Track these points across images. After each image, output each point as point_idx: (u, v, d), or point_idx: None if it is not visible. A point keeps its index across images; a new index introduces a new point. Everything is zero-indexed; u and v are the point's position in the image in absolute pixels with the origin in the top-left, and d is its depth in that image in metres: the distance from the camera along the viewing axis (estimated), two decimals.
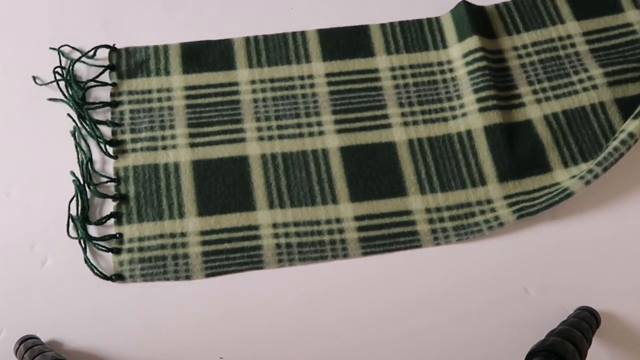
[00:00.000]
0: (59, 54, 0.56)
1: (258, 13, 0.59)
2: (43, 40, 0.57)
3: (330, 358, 0.48)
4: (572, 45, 0.57)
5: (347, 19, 0.58)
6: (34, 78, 0.55)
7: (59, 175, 0.52)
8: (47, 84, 0.55)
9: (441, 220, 0.51)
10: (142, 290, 0.49)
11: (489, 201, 0.52)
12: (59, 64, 0.55)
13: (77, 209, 0.50)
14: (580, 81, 0.55)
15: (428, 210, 0.51)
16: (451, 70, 0.57)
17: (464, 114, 0.55)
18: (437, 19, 0.59)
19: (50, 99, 0.54)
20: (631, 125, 0.50)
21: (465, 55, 0.56)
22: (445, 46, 0.58)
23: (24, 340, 0.46)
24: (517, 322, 0.49)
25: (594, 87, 0.54)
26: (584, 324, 0.45)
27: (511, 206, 0.51)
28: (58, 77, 0.55)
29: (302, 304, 0.49)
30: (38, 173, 0.52)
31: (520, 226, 0.51)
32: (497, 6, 0.59)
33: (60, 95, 0.54)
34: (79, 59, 0.56)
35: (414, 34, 0.58)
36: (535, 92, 0.55)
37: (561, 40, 0.57)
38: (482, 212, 0.51)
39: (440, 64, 0.57)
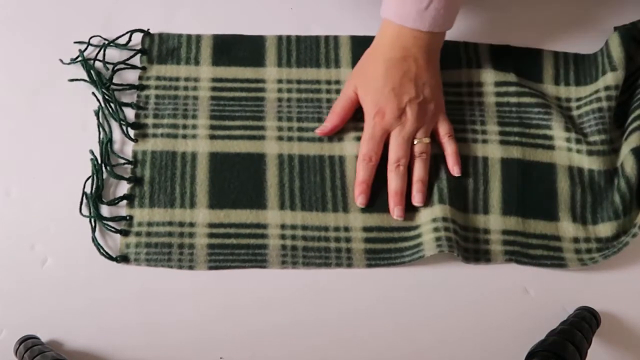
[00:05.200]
0: (88, 41, 0.56)
1: (258, 13, 0.59)
2: (48, 35, 0.57)
3: (331, 356, 0.48)
4: (616, 98, 0.55)
5: (347, 20, 0.58)
6: (61, 60, 0.55)
7: (59, 175, 0.52)
8: (74, 62, 0.55)
9: (447, 229, 0.50)
10: (143, 291, 0.49)
11: (486, 231, 0.51)
12: (81, 53, 0.55)
13: (92, 188, 0.51)
14: (612, 141, 0.54)
15: (434, 220, 0.51)
16: (480, 95, 0.56)
17: (484, 141, 0.54)
18: (475, 45, 0.58)
19: (72, 80, 0.54)
20: None
21: (498, 84, 0.56)
22: (479, 66, 0.57)
23: (24, 340, 0.46)
24: (517, 322, 0.49)
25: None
26: (584, 324, 0.45)
27: (505, 244, 0.51)
28: (85, 60, 0.55)
29: (302, 301, 0.49)
30: (38, 173, 0.52)
31: None
32: (555, 54, 0.58)
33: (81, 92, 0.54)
34: (112, 42, 0.56)
35: (449, 53, 0.57)
36: (568, 140, 0.54)
37: (608, 90, 0.55)
38: (476, 241, 0.51)
39: (469, 84, 0.56)
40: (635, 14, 0.58)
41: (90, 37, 0.56)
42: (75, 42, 0.56)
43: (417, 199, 0.52)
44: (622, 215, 0.52)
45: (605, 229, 0.52)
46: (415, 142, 0.52)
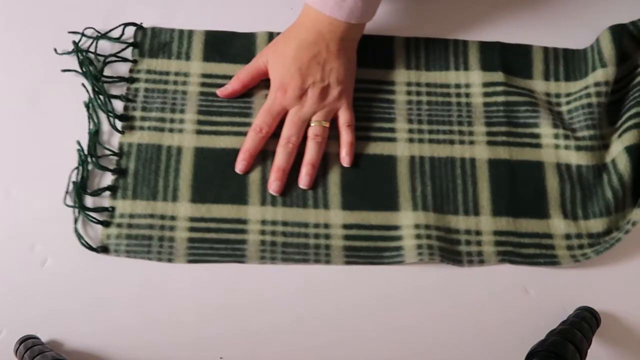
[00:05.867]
0: (82, 33, 0.56)
1: (258, 12, 0.59)
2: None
3: (331, 356, 0.48)
4: (606, 94, 0.55)
5: None
6: (55, 50, 0.56)
7: (60, 174, 0.52)
8: (68, 53, 0.55)
9: (429, 237, 0.50)
10: (143, 291, 0.49)
11: (477, 232, 0.51)
12: (75, 44, 0.55)
13: (77, 178, 0.51)
14: (603, 137, 0.54)
15: (417, 226, 0.51)
16: (467, 95, 0.56)
17: (471, 142, 0.54)
18: (465, 42, 0.58)
19: (64, 70, 0.55)
20: (637, 214, 0.49)
21: (486, 85, 0.56)
22: (466, 68, 0.57)
23: (24, 340, 0.46)
24: (517, 322, 0.49)
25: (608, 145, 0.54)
26: (584, 324, 0.45)
27: (497, 245, 0.51)
28: (78, 51, 0.55)
29: (302, 301, 0.49)
30: (38, 173, 0.52)
31: None
32: (545, 49, 0.58)
33: (73, 84, 0.54)
34: (104, 34, 0.56)
35: (437, 52, 0.58)
36: (556, 136, 0.54)
37: (598, 86, 0.55)
38: (468, 243, 0.51)
39: (457, 86, 0.56)
40: (625, 10, 0.59)
41: (85, 29, 0.57)
42: (70, 32, 0.57)
43: (303, 181, 0.52)
44: (614, 211, 0.52)
45: (596, 224, 0.52)
46: (312, 124, 0.53)
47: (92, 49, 0.56)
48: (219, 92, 0.54)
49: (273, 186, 0.51)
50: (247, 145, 0.52)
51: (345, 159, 0.53)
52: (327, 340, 0.48)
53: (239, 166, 0.52)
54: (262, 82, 0.55)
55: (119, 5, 0.58)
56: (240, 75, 0.55)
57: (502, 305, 0.49)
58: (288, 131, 0.52)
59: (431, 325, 0.49)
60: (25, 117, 0.54)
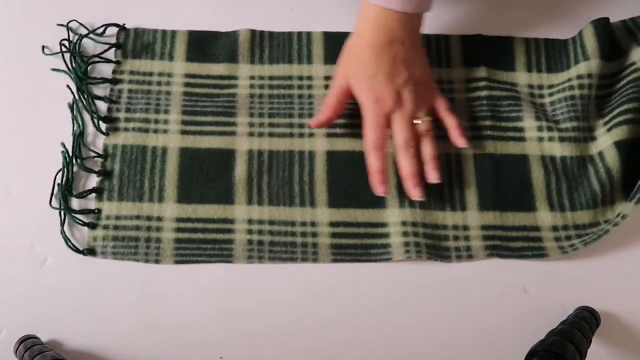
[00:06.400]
0: (67, 30, 0.56)
1: (257, 12, 0.59)
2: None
3: (332, 356, 0.47)
4: (590, 87, 0.55)
5: (347, 19, 0.56)
6: (43, 48, 0.56)
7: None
8: (54, 54, 0.55)
9: (416, 235, 0.50)
10: (143, 291, 0.49)
11: (465, 227, 0.51)
12: (62, 44, 0.55)
13: (62, 180, 0.51)
14: (589, 129, 0.54)
15: (404, 224, 0.50)
16: (451, 91, 0.56)
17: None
18: (447, 37, 0.58)
19: (54, 70, 0.55)
20: (627, 208, 0.49)
21: (469, 81, 0.56)
22: (449, 65, 0.57)
23: (24, 340, 0.46)
24: (517, 322, 0.49)
25: (594, 138, 0.53)
26: (584, 324, 0.44)
27: (485, 240, 0.51)
28: (65, 49, 0.55)
29: (302, 302, 0.49)
30: (38, 173, 0.52)
31: None
32: (527, 40, 0.58)
33: (61, 85, 0.54)
34: (87, 35, 0.56)
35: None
36: (540, 129, 0.54)
37: (581, 79, 0.55)
38: (456, 238, 0.51)
39: (440, 82, 0.56)
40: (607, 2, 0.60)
41: (69, 22, 0.57)
42: (59, 25, 0.57)
43: (433, 176, 0.51)
44: (601, 204, 0.52)
45: (582, 215, 0.52)
46: (417, 122, 0.51)
47: (75, 50, 0.55)
48: (313, 124, 0.52)
49: (415, 193, 0.50)
50: (375, 166, 0.50)
51: (459, 140, 0.51)
52: (327, 340, 0.48)
53: (380, 190, 0.50)
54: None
55: (120, 6, 0.58)
56: (329, 102, 0.52)
57: (502, 305, 0.49)
58: (403, 137, 0.50)
59: (431, 326, 0.48)
60: (26, 117, 0.54)
